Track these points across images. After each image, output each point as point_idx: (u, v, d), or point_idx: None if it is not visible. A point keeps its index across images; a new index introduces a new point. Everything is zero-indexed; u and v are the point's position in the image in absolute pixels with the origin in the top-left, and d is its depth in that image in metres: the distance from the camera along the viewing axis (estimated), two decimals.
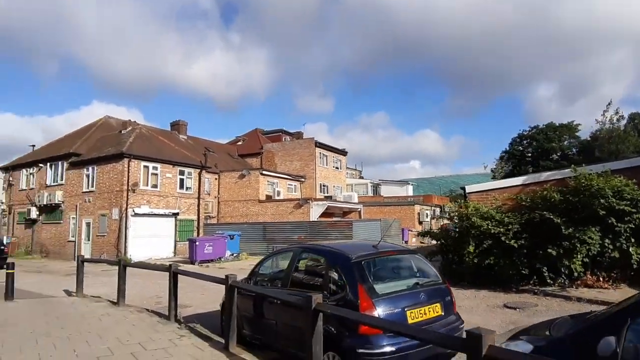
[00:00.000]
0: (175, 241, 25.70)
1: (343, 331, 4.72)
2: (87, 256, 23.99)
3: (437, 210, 46.36)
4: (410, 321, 4.81)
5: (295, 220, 26.99)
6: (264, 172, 34.08)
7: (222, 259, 20.91)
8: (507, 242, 10.80)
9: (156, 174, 24.84)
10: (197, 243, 19.44)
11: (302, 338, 5.14)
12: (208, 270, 17.11)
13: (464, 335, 3.15)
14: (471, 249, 11.50)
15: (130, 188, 22.98)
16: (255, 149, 43.62)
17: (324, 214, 31.30)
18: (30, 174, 29.46)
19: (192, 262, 19.82)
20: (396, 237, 30.16)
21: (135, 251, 22.73)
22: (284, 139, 46.84)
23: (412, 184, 58.35)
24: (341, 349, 4.68)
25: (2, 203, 32.12)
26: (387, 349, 4.50)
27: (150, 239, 23.90)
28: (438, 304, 5.23)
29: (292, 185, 38.32)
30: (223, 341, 6.44)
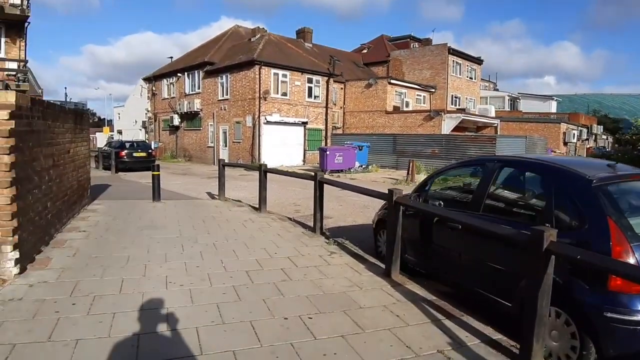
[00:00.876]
0: (304, 150, 25.68)
1: (578, 283, 3.31)
2: (225, 161, 25.26)
3: (584, 130, 40.73)
4: None
5: (429, 133, 25.05)
6: (392, 81, 31.96)
7: (352, 170, 20.24)
8: None
9: (285, 82, 24.35)
10: (327, 152, 18.89)
11: (501, 280, 3.91)
12: (341, 181, 16.56)
13: None
14: None
15: (261, 96, 22.89)
16: (381, 57, 41.07)
17: (455, 129, 28.82)
18: (170, 83, 31.15)
19: (323, 171, 19.44)
20: None
21: (268, 158, 23.12)
22: (412, 46, 43.16)
23: (556, 100, 51.08)
24: (574, 307, 3.32)
25: (148, 111, 34.98)
26: None
27: (281, 147, 24.09)
28: None
29: (420, 96, 35.75)
30: (380, 265, 5.55)
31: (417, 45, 43.04)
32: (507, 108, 46.11)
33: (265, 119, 23.09)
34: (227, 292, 4.34)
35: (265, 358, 3.12)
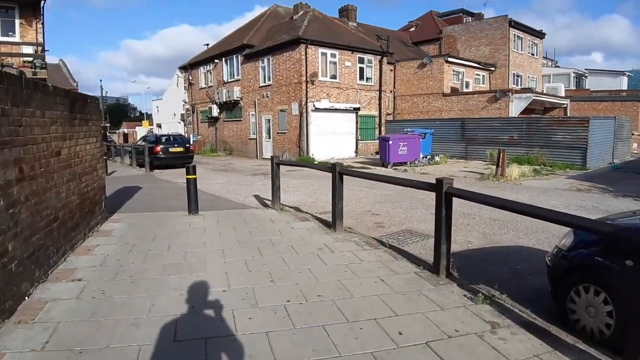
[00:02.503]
0: (356, 140, 22.84)
1: None
2: (269, 154, 22.84)
3: None
4: None
5: (505, 117, 21.77)
6: (450, 59, 28.57)
7: (417, 162, 17.38)
8: None
9: (335, 62, 21.49)
10: (390, 142, 16.04)
11: None
12: (411, 177, 13.71)
13: None
14: None
15: (308, 79, 20.19)
16: (432, 34, 37.68)
17: (522, 111, 25.40)
18: (208, 71, 29.02)
19: (384, 165, 16.68)
20: (627, 141, 23.10)
21: (317, 150, 20.54)
22: (464, 22, 39.48)
23: (628, 75, 45.83)
24: None
25: (186, 103, 33.07)
26: None
27: (331, 136, 21.38)
28: None
29: (480, 75, 32.20)
30: (593, 354, 2.91)
31: (470, 20, 39.36)
32: (572, 86, 41.70)
33: (314, 105, 20.38)
34: None
35: None
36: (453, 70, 29.19)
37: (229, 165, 20.56)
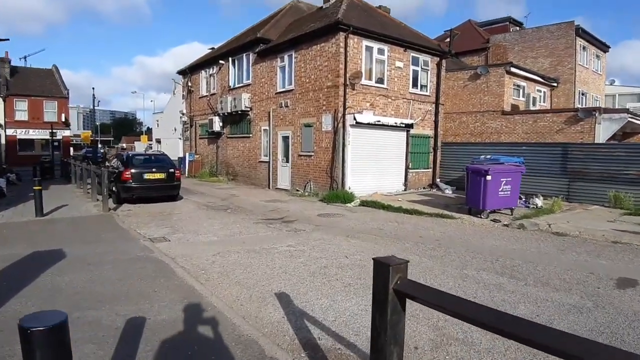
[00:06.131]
0: (407, 167, 16.71)
1: None
2: (287, 184, 16.78)
3: None
4: None
5: (633, 143, 15.85)
6: (513, 70, 22.80)
7: (514, 208, 11.35)
8: None
9: (382, 61, 15.52)
10: (489, 177, 10.00)
11: None
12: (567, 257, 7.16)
13: None
14: None
15: (348, 81, 14.30)
16: (476, 44, 32.32)
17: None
18: (210, 75, 23.37)
19: (473, 212, 10.68)
20: None
21: (355, 181, 14.55)
22: (511, 31, 34.15)
23: None
24: None
25: (183, 114, 27.32)
26: None
27: (374, 163, 15.35)
28: None
29: (540, 92, 26.46)
30: None
31: (517, 30, 34.08)
32: None
33: (354, 118, 14.30)
34: None
35: None
36: (514, 84, 23.47)
37: (232, 198, 14.65)
